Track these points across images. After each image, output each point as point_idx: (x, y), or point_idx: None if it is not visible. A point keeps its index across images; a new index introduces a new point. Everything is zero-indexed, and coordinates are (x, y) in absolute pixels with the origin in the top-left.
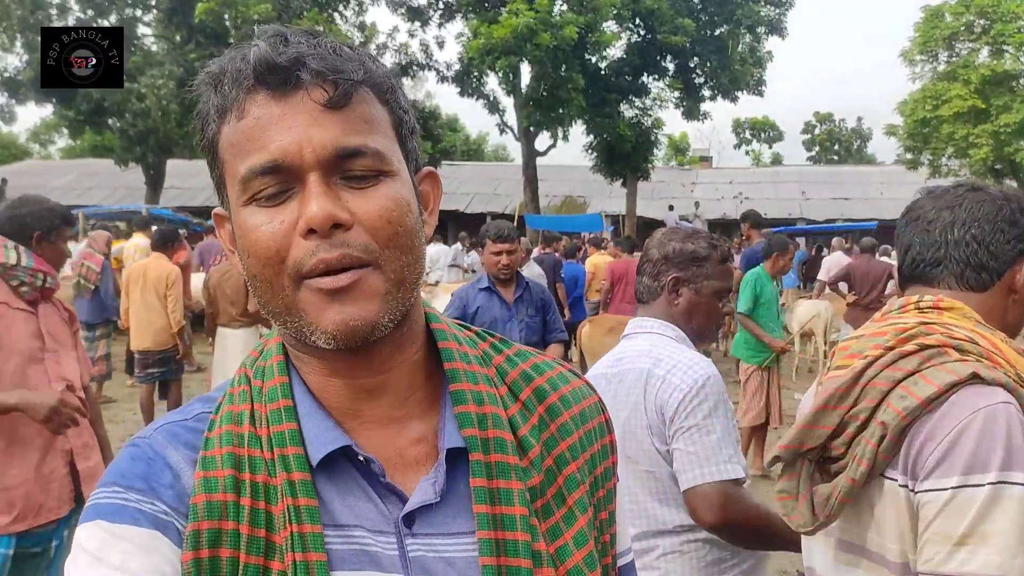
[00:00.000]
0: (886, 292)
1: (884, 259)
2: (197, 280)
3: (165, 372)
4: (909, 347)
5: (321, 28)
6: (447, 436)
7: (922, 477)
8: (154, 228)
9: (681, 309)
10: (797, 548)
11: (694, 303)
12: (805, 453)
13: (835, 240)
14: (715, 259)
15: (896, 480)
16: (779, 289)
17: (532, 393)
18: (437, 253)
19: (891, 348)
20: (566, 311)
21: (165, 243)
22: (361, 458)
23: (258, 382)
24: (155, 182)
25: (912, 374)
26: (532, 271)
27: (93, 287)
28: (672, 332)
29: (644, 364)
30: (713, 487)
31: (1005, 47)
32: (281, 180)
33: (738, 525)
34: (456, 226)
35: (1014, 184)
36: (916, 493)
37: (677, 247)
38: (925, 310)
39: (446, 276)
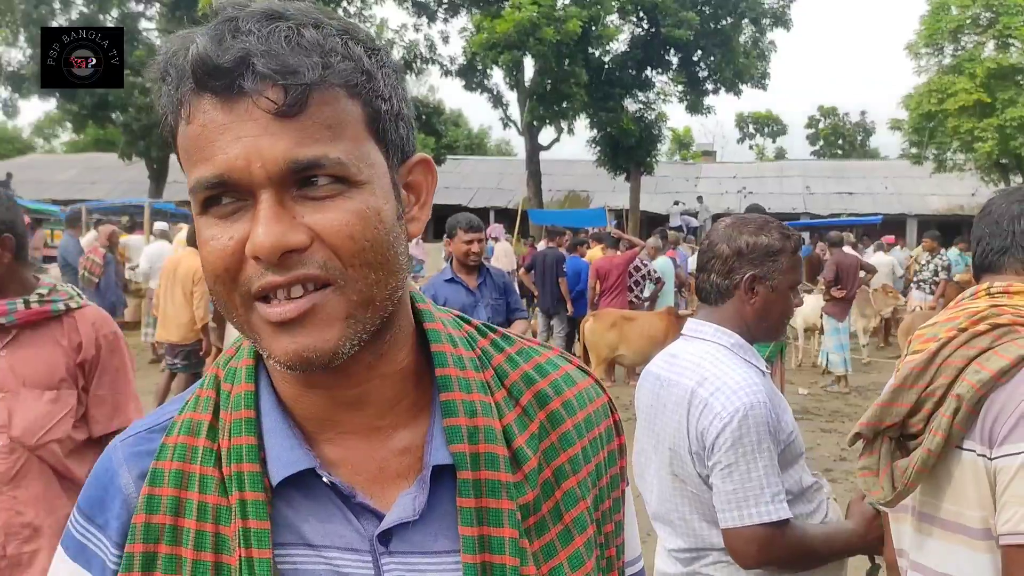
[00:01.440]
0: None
1: (848, 250)
2: None
3: (186, 365)
4: (982, 327)
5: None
6: (434, 451)
7: (998, 443)
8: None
9: (757, 308)
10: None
11: (771, 301)
12: (885, 430)
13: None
14: (789, 251)
15: (974, 450)
16: None
17: (533, 397)
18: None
19: (964, 329)
20: (569, 306)
21: (194, 240)
22: (327, 481)
23: (227, 386)
24: (158, 176)
25: (985, 351)
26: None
27: (96, 280)
28: (729, 339)
29: (689, 381)
30: (753, 531)
31: (1011, 40)
32: (231, 193)
33: (780, 564)
34: None
35: (1019, 179)
36: (992, 460)
37: (751, 241)
38: (995, 295)
39: None
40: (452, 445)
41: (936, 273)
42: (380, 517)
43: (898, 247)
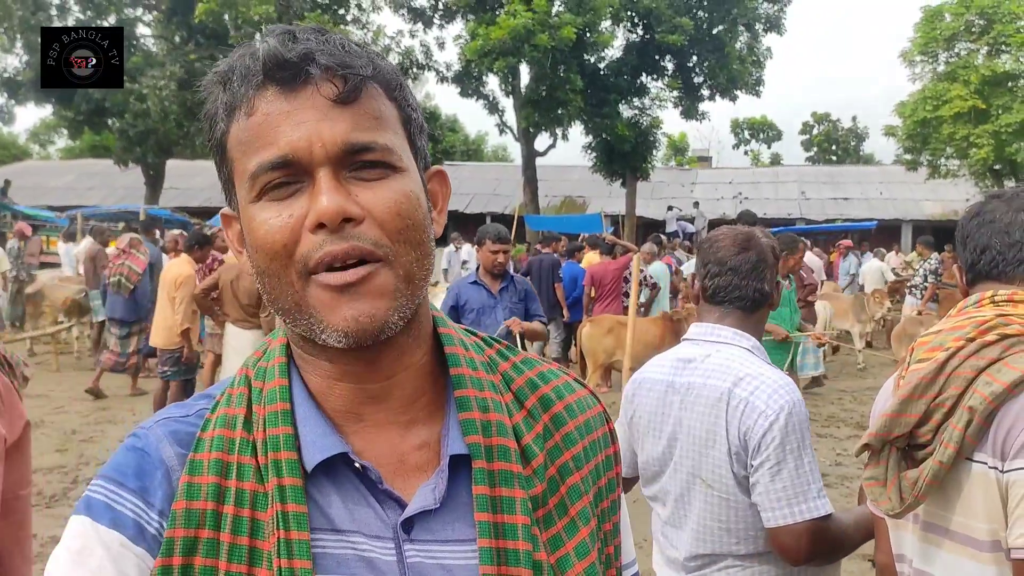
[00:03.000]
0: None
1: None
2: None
3: (175, 372)
4: (990, 337)
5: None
6: (451, 442)
7: (1010, 456)
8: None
9: (766, 313)
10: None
11: (775, 301)
12: (893, 441)
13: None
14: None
15: (985, 463)
16: (791, 288)
17: (537, 401)
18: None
19: (972, 339)
20: (565, 311)
21: (191, 246)
22: (358, 465)
23: (259, 383)
24: (154, 182)
25: (995, 362)
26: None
27: (132, 287)
28: (747, 341)
29: (723, 383)
30: (804, 527)
31: (1005, 48)
32: (291, 175)
33: (824, 556)
34: (455, 226)
35: (1012, 184)
36: (1005, 473)
37: (771, 245)
38: (1000, 303)
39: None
40: (467, 436)
41: (925, 278)
42: (403, 506)
43: (893, 252)
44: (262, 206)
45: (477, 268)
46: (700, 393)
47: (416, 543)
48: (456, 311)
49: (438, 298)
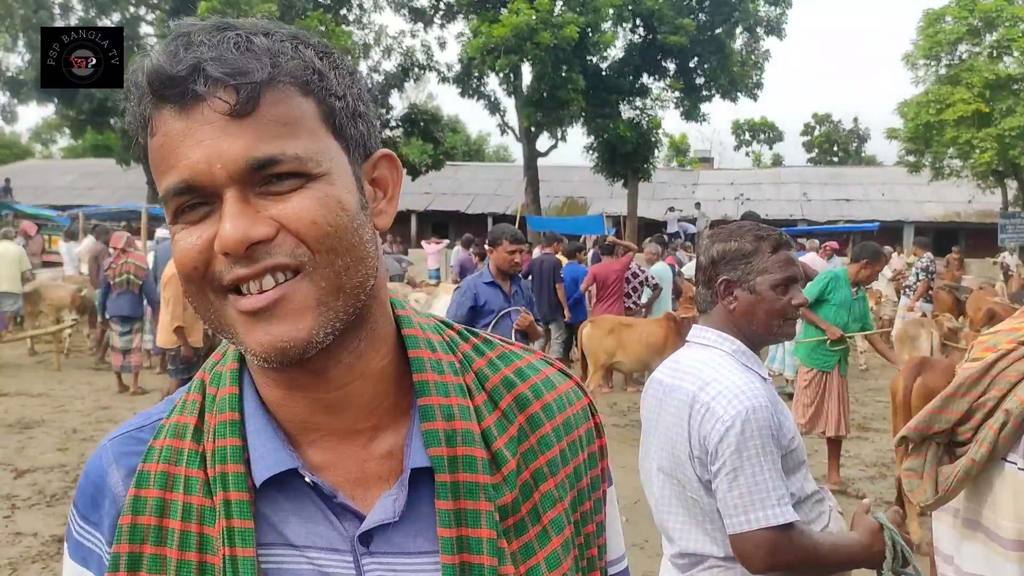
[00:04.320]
0: None
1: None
2: None
3: (176, 371)
4: None
5: (232, 17)
6: (413, 453)
7: None
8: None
9: (740, 312)
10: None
11: (752, 303)
12: (933, 436)
13: (809, 243)
14: (765, 251)
15: (1016, 463)
16: (860, 295)
17: (513, 401)
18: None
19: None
20: (566, 312)
21: None
22: (309, 481)
23: (212, 389)
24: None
25: None
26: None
27: (141, 283)
28: (729, 344)
29: (691, 386)
30: (760, 535)
31: (1008, 51)
32: (199, 198)
33: (787, 568)
34: (457, 226)
35: (1015, 185)
36: None
37: (721, 248)
38: None
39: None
40: (430, 448)
41: (917, 276)
42: (361, 518)
43: (895, 253)
44: (178, 228)
45: (487, 268)
46: (674, 396)
47: (376, 556)
48: (475, 311)
49: (439, 299)
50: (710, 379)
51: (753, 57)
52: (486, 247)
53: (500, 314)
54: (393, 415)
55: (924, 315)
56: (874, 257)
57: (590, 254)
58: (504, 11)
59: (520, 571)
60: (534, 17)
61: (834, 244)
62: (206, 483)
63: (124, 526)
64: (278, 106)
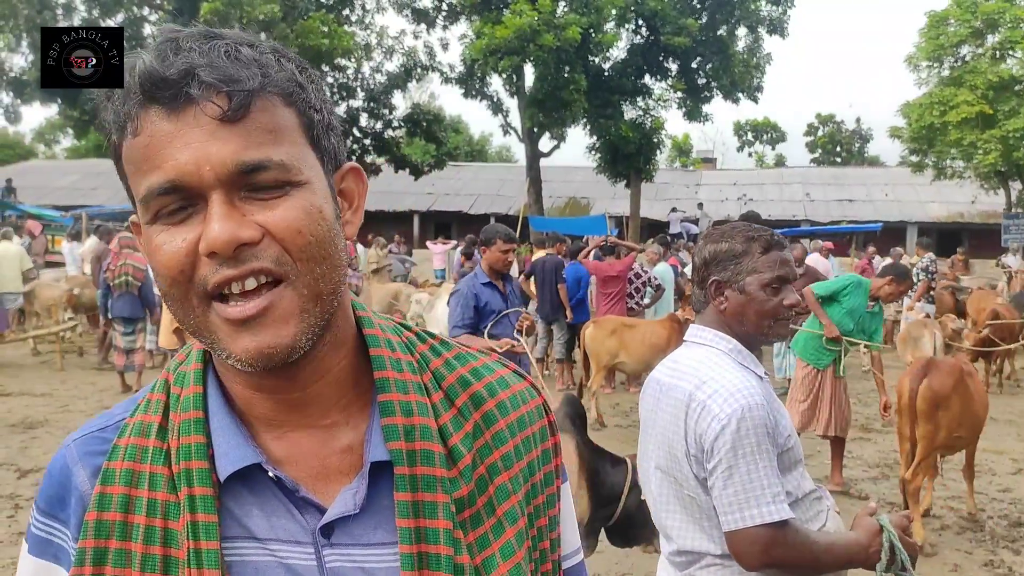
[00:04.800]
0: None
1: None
2: None
3: None
4: None
5: (224, 27)
6: (372, 447)
7: None
8: None
9: (731, 312)
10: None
11: (742, 303)
12: None
13: (813, 243)
14: (755, 251)
15: None
16: (876, 309)
17: (468, 399)
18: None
19: None
20: (568, 312)
21: None
22: (272, 476)
23: (176, 389)
24: None
25: None
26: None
27: (139, 284)
28: (725, 344)
29: (688, 385)
30: (755, 532)
31: (1011, 52)
32: (182, 199)
33: (781, 566)
34: (460, 227)
35: (1019, 186)
36: None
37: (712, 249)
38: None
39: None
40: (389, 442)
41: (918, 276)
42: (323, 511)
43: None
44: (158, 229)
45: (479, 268)
46: (671, 394)
47: (336, 547)
48: (478, 312)
49: (442, 299)
50: (706, 378)
51: (755, 59)
52: (479, 247)
53: (500, 315)
54: (352, 412)
55: (928, 316)
56: (900, 277)
57: (591, 256)
58: (506, 12)
59: (475, 561)
60: (536, 19)
61: (829, 244)
62: (171, 479)
63: (90, 522)
64: (265, 114)
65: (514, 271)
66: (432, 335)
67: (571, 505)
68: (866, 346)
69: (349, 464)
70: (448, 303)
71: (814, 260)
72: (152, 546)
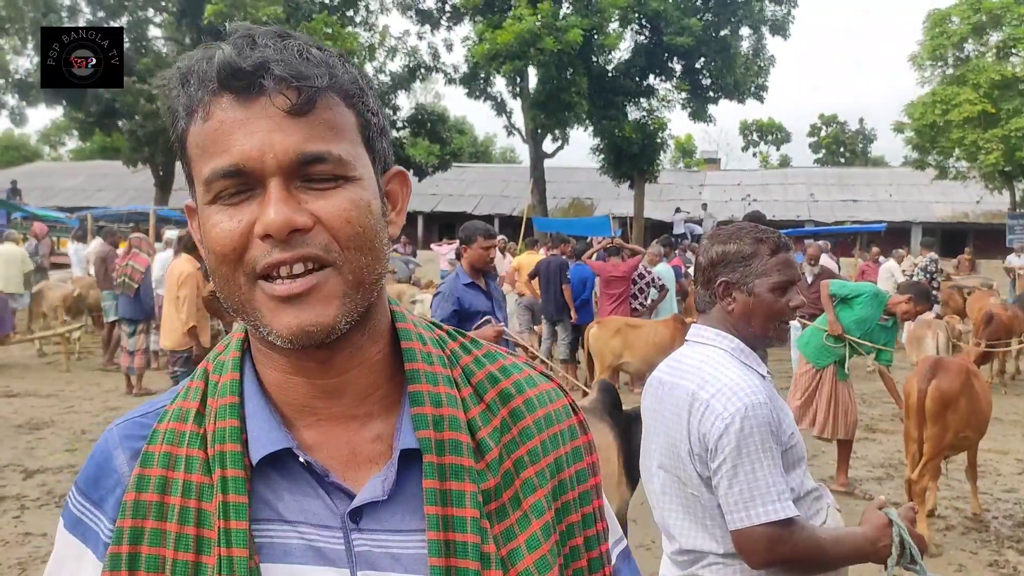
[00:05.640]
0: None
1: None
2: None
3: (185, 373)
4: None
5: (294, 30)
6: (402, 436)
7: None
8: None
9: (738, 314)
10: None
11: (750, 305)
12: None
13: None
14: (764, 253)
15: None
16: (889, 323)
17: (497, 395)
18: None
19: None
20: (573, 313)
21: (191, 246)
22: (302, 460)
23: (215, 376)
24: (164, 183)
25: None
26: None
27: (136, 286)
28: (728, 343)
29: (690, 384)
30: (761, 530)
31: (1014, 51)
32: (243, 183)
33: (787, 564)
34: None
35: (1023, 186)
36: None
37: (720, 250)
38: None
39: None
40: (418, 431)
41: (918, 277)
42: (352, 497)
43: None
44: (216, 209)
45: (460, 268)
46: (673, 393)
47: (365, 532)
48: (459, 315)
49: (425, 302)
50: (709, 377)
51: (758, 60)
52: (460, 246)
53: (484, 319)
54: (384, 404)
55: (937, 316)
56: (920, 297)
57: (593, 257)
58: (508, 17)
59: (501, 553)
60: (537, 23)
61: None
62: (205, 462)
63: (128, 502)
64: (328, 111)
65: (508, 267)
66: (462, 334)
67: (603, 497)
68: (874, 359)
69: (379, 452)
70: (431, 304)
71: (824, 262)
72: (186, 526)
